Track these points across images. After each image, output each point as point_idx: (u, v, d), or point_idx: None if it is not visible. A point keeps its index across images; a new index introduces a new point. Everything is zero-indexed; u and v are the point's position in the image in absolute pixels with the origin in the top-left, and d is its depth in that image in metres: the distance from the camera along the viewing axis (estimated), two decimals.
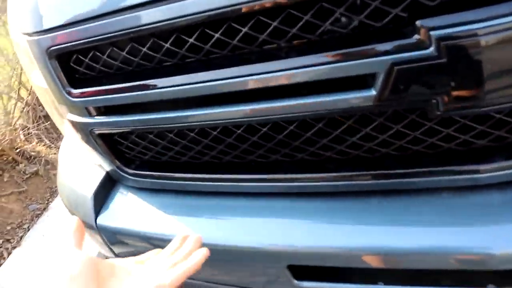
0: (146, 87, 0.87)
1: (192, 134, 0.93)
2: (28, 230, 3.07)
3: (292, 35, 0.70)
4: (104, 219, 1.13)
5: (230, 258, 0.93)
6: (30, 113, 3.93)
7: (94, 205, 1.14)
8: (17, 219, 3.21)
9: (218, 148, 0.92)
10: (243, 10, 0.69)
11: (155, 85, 0.87)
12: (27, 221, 3.19)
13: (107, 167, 1.15)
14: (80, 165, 1.27)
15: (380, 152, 0.77)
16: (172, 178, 1.03)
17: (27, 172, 3.57)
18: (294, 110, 0.73)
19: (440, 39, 0.59)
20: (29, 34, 0.98)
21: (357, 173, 0.78)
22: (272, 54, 0.72)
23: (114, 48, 0.89)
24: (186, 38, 0.79)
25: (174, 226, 1.01)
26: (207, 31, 0.76)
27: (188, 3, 0.73)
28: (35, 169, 3.59)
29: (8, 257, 2.90)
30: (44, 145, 3.80)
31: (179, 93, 0.82)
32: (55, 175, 3.53)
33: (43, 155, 3.69)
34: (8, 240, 3.06)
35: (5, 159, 3.62)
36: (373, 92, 0.66)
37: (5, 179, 3.51)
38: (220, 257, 0.93)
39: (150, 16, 0.79)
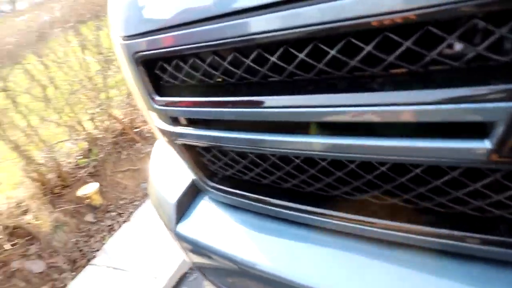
0: (227, 104, 0.79)
1: (273, 158, 0.83)
2: (138, 207, 3.24)
3: (389, 63, 0.57)
4: (183, 228, 1.09)
5: None
6: None
7: (176, 213, 1.11)
8: (130, 195, 3.40)
9: (300, 178, 0.81)
10: (333, 31, 0.57)
11: (238, 103, 0.78)
12: (138, 198, 3.36)
13: (191, 175, 1.10)
14: (169, 168, 1.24)
15: (492, 213, 0.60)
16: (250, 199, 0.95)
17: (142, 152, 3.76)
18: (382, 152, 0.60)
19: None
20: (122, 38, 0.96)
21: (458, 233, 0.62)
22: (363, 84, 0.59)
23: (196, 59, 0.82)
24: (268, 56, 0.69)
25: (248, 249, 0.94)
26: (291, 50, 0.66)
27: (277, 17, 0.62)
28: (150, 149, 3.75)
29: (118, 229, 3.09)
30: None
31: (257, 116, 0.73)
32: None
33: None
34: (120, 214, 3.25)
35: (125, 137, 3.85)
36: (487, 145, 0.50)
37: (123, 156, 3.73)
38: None
39: (232, 30, 0.70)
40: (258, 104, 0.74)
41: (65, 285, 2.69)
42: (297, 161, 0.79)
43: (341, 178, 0.75)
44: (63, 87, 3.47)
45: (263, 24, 0.65)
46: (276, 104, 0.71)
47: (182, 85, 0.91)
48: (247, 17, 0.67)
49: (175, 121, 0.97)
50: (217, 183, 1.03)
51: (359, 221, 0.75)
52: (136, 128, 3.91)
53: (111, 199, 3.43)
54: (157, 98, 0.95)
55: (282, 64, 0.68)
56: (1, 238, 2.76)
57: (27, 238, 2.94)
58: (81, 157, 3.66)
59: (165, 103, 0.94)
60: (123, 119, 3.86)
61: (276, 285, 0.89)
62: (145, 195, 3.39)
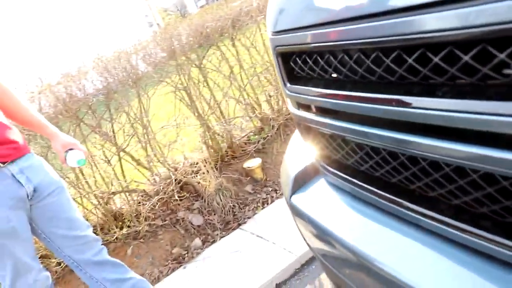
0: (349, 99, 0.92)
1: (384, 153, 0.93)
2: None
3: None
4: (297, 200, 1.27)
5: None
6: None
7: (292, 184, 1.30)
8: None
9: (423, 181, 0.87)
10: None
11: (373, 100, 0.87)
12: None
13: (312, 155, 1.28)
14: (299, 150, 1.43)
15: None
16: (357, 186, 1.07)
17: None
18: None
19: None
20: (271, 33, 1.17)
21: None
22: None
23: (318, 57, 0.99)
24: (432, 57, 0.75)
25: (347, 231, 1.06)
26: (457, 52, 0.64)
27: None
28: None
29: (270, 204, 3.41)
30: None
31: (394, 114, 0.79)
32: None
33: None
34: (275, 191, 3.57)
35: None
36: None
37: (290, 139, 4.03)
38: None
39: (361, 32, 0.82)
40: (402, 104, 0.77)
41: (215, 240, 3.12)
42: (424, 163, 0.82)
43: (463, 188, 0.76)
44: (247, 69, 3.91)
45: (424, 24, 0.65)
46: (426, 106, 0.71)
47: (308, 77, 1.08)
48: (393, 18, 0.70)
49: (301, 106, 1.16)
50: (331, 166, 1.18)
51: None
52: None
53: (271, 176, 3.78)
54: (288, 85, 1.14)
55: (445, 66, 0.67)
56: (174, 189, 3.31)
57: (193, 194, 3.45)
58: (253, 134, 4.08)
59: (294, 90, 1.13)
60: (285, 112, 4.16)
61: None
62: None
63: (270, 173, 3.82)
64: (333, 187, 1.24)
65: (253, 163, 3.74)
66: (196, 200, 3.51)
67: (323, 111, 1.09)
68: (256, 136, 4.04)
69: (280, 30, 1.09)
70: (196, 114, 3.54)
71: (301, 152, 1.42)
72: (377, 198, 1.02)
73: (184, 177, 3.39)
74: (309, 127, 1.17)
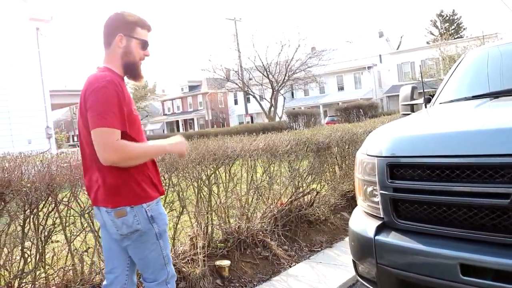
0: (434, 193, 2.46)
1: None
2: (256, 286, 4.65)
3: None
4: (379, 238, 2.65)
5: None
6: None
7: (375, 231, 2.68)
8: (249, 277, 4.83)
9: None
10: None
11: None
12: (255, 283, 4.78)
13: (385, 218, 2.71)
14: (362, 219, 2.88)
15: None
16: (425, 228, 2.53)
17: (261, 255, 5.31)
18: None
19: None
20: (377, 156, 2.71)
21: None
22: None
23: (410, 171, 2.53)
24: None
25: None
26: None
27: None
28: (266, 254, 5.31)
29: None
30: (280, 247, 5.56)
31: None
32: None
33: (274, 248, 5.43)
34: (241, 286, 4.66)
35: (251, 242, 5.42)
36: None
37: (247, 253, 5.27)
38: None
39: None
40: None
41: None
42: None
43: None
44: (228, 193, 5.25)
45: None
46: None
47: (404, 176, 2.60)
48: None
49: (395, 191, 2.63)
50: (400, 219, 2.62)
51: None
52: (259, 240, 5.51)
53: (234, 275, 4.90)
54: (390, 180, 2.63)
55: None
56: None
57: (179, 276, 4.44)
58: (219, 242, 5.26)
59: (393, 182, 2.62)
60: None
61: None
62: (259, 281, 4.83)
63: (232, 274, 4.94)
64: (401, 232, 2.65)
65: (223, 262, 4.87)
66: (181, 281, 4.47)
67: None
68: (222, 244, 5.22)
69: (387, 156, 2.63)
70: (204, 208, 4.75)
71: (364, 219, 2.86)
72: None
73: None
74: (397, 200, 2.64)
